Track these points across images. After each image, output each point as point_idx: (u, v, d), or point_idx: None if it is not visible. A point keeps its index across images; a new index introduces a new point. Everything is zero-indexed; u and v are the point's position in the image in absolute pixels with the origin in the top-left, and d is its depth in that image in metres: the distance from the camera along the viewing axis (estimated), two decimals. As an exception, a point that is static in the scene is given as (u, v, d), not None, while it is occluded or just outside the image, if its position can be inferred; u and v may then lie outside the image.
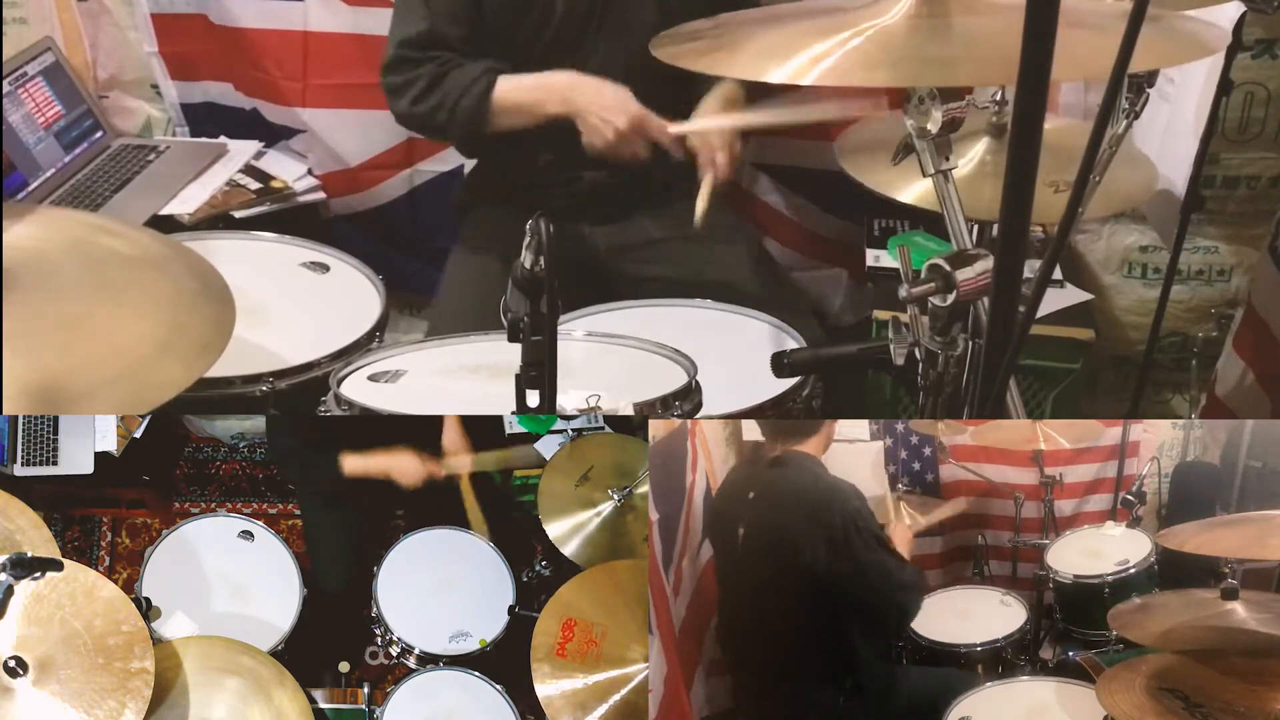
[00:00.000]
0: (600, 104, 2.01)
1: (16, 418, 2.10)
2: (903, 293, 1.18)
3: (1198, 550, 1.65)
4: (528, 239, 1.24)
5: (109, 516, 2.25)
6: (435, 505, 2.09)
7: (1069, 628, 2.09)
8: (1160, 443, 2.53)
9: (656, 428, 1.88)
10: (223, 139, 2.75)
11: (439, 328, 2.14)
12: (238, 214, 2.49)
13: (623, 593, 1.87)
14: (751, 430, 2.16)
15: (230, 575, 1.92)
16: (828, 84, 1.17)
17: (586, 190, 2.24)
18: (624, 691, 1.78)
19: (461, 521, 2.06)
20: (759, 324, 2.02)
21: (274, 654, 1.80)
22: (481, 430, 2.30)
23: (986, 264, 1.13)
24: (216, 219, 2.45)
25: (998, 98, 1.88)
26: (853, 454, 2.47)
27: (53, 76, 2.63)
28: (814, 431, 1.92)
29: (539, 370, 1.27)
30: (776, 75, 1.20)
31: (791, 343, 1.95)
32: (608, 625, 1.84)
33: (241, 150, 2.71)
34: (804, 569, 1.81)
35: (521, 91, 2.07)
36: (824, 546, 1.80)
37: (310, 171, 2.71)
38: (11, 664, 1.48)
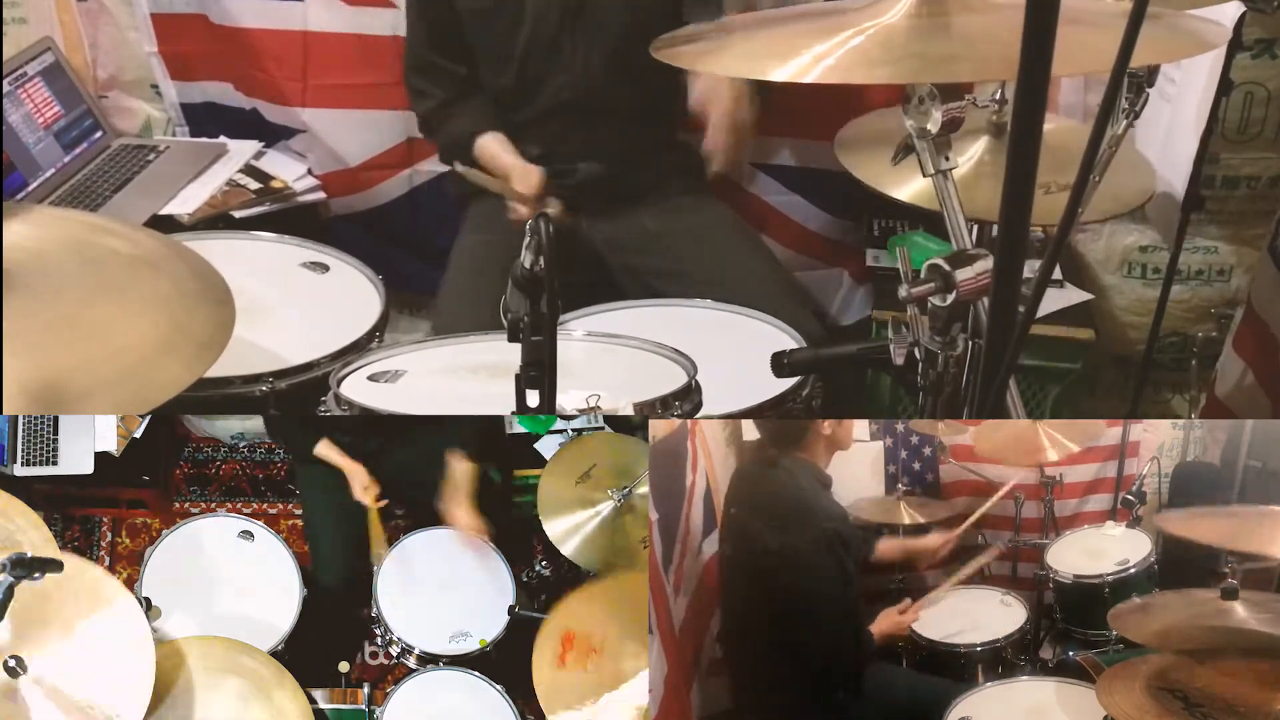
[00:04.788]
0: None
1: (16, 418, 2.10)
2: (903, 293, 1.18)
3: (1198, 538, 1.65)
4: (527, 238, 1.24)
5: (109, 516, 2.25)
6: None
7: (1069, 628, 2.08)
8: (1160, 443, 2.52)
9: (656, 428, 1.88)
10: (223, 139, 2.75)
11: (442, 323, 2.15)
12: (238, 214, 2.48)
13: (622, 606, 1.87)
14: (752, 430, 2.16)
15: (230, 575, 1.93)
16: (830, 81, 1.17)
17: (582, 182, 2.24)
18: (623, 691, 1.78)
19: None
20: (759, 324, 2.02)
21: (274, 654, 1.81)
22: (482, 430, 2.30)
23: (986, 264, 1.13)
24: (216, 219, 2.45)
25: (997, 97, 1.88)
26: (853, 454, 2.46)
27: (52, 76, 2.63)
28: (816, 438, 1.89)
29: (539, 370, 1.26)
30: (779, 74, 1.20)
31: (791, 343, 1.95)
32: (606, 637, 1.84)
33: (241, 150, 2.71)
34: (781, 582, 1.78)
35: (488, 157, 2.21)
36: (780, 562, 1.76)
37: (310, 171, 2.71)
38: (11, 664, 1.48)
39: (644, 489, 2.01)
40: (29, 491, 1.85)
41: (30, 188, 2.47)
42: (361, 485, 2.03)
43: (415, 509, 2.14)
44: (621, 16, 2.15)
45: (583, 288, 2.17)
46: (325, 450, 2.05)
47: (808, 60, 1.19)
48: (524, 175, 2.09)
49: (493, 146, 2.22)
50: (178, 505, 2.31)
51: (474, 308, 2.04)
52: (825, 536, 1.78)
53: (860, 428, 2.48)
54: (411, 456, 2.08)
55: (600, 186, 2.24)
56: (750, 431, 2.16)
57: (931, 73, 1.25)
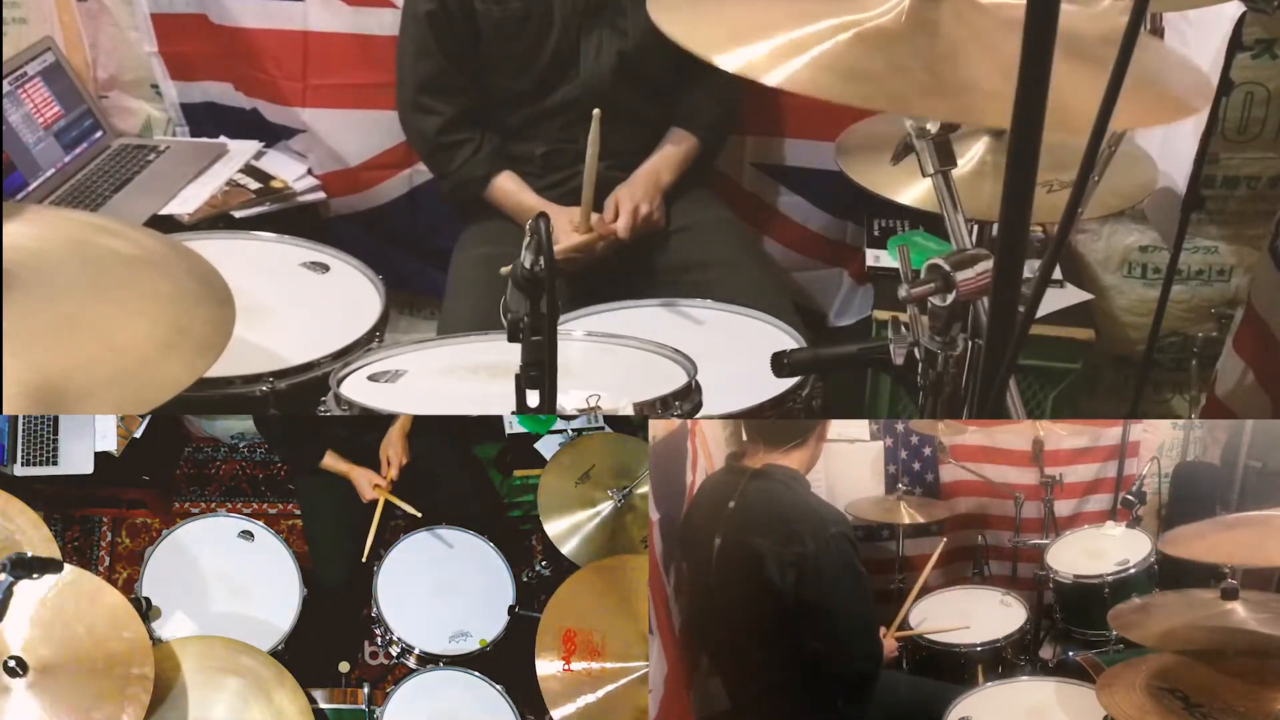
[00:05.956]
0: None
1: (16, 418, 2.10)
2: (903, 293, 1.18)
3: (1201, 557, 1.65)
4: (527, 239, 1.24)
5: (109, 516, 2.25)
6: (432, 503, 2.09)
7: (1069, 628, 2.08)
8: (1160, 443, 2.52)
9: (656, 428, 1.87)
10: (223, 139, 2.75)
11: (447, 324, 2.15)
12: (238, 214, 2.49)
13: (618, 592, 1.86)
14: (738, 433, 2.08)
15: (230, 575, 1.92)
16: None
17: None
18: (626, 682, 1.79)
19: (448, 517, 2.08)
20: (759, 324, 2.02)
21: (274, 654, 1.80)
22: (481, 430, 2.30)
23: (986, 264, 1.13)
24: (216, 219, 2.45)
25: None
26: (853, 454, 2.47)
27: (52, 76, 2.63)
28: (799, 445, 1.81)
29: (539, 370, 1.26)
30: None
31: (791, 343, 1.94)
32: (606, 630, 1.83)
33: (241, 150, 2.71)
34: (775, 593, 1.70)
35: (502, 197, 2.32)
36: (794, 571, 1.68)
37: (310, 171, 2.72)
38: (11, 664, 1.48)
39: (644, 489, 2.01)
40: (29, 491, 1.84)
41: (30, 188, 2.47)
42: (370, 484, 2.03)
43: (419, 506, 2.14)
44: (640, 18, 2.16)
45: (583, 281, 2.17)
46: (331, 462, 2.06)
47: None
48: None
49: (509, 185, 2.30)
50: (178, 505, 2.31)
51: (482, 326, 2.03)
52: (836, 540, 1.72)
53: (860, 428, 2.48)
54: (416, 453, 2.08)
55: (605, 186, 2.24)
56: (720, 445, 2.02)
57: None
